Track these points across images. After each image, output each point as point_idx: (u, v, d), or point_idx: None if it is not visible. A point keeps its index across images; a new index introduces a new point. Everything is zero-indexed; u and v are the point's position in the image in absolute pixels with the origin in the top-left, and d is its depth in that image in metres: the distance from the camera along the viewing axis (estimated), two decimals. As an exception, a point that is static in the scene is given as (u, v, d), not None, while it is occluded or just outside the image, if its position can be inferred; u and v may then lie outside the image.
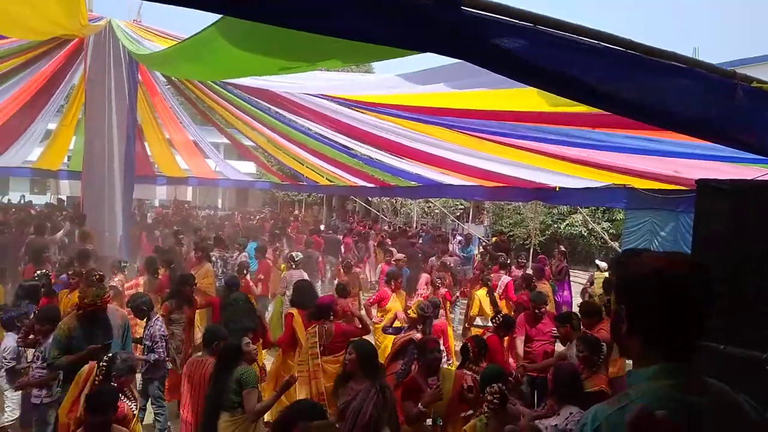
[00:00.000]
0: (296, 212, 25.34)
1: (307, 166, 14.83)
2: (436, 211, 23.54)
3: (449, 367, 4.14)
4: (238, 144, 16.01)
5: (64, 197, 23.10)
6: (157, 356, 4.95)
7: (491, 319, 5.82)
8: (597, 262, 10.60)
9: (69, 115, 12.93)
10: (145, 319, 5.20)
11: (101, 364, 3.65)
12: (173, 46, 4.66)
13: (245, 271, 7.84)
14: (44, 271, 6.19)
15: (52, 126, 13.93)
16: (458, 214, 22.94)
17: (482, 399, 3.47)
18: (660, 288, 1.27)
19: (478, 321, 7.59)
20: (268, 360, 6.29)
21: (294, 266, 8.23)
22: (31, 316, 5.01)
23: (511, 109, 4.64)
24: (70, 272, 6.20)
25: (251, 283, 7.70)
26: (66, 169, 15.96)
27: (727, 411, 1.26)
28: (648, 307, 1.30)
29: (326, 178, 15.07)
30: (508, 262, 9.72)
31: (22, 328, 4.97)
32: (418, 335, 5.17)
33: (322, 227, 18.16)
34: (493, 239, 16.06)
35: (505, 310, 7.53)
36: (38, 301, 5.42)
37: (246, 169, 20.15)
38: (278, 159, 16.12)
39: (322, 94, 6.61)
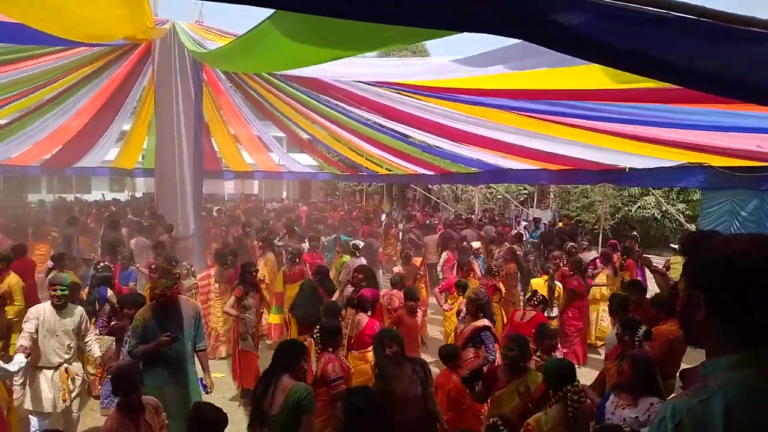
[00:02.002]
0: (358, 203, 25.62)
1: (366, 157, 14.92)
2: (499, 196, 23.09)
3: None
4: (298, 138, 16.33)
5: (139, 194, 24.45)
6: None
7: (528, 300, 5.68)
8: (673, 245, 10.04)
9: (141, 115, 13.62)
10: None
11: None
12: (231, 42, 4.79)
13: (298, 259, 7.99)
14: (106, 263, 6.55)
15: (126, 127, 14.73)
16: (522, 199, 22.39)
17: (549, 393, 3.37)
18: (743, 272, 1.18)
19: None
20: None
21: (357, 255, 8.36)
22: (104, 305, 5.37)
23: (574, 88, 4.44)
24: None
25: (306, 269, 7.89)
26: (140, 167, 16.87)
27: None
28: (728, 293, 1.20)
29: (385, 168, 15.11)
30: (576, 247, 9.36)
31: (101, 317, 5.31)
32: (487, 322, 5.09)
33: (383, 217, 18.24)
34: (560, 224, 15.58)
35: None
36: (111, 286, 5.80)
37: (308, 161, 20.52)
38: (338, 151, 16.33)
39: (378, 82, 6.59)
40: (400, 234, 13.29)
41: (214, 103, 13.29)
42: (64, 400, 4.61)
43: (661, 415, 1.23)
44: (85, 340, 4.91)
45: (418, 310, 6.23)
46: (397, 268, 8.33)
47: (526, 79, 4.26)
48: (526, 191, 22.77)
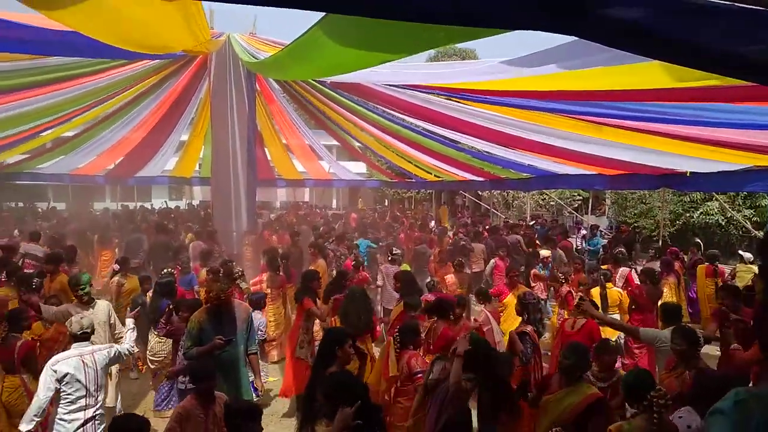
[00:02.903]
0: (406, 210, 25.60)
1: (414, 164, 14.91)
2: (552, 203, 22.54)
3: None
4: (348, 145, 16.52)
5: (196, 202, 25.33)
6: None
7: (576, 306, 5.48)
8: (741, 253, 9.50)
9: (198, 126, 14.13)
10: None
11: None
12: (281, 50, 4.91)
13: (360, 267, 8.07)
14: (169, 269, 6.80)
15: (184, 137, 15.31)
16: (576, 205, 21.77)
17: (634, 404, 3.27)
18: None
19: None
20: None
21: (391, 260, 8.35)
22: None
23: (631, 88, 4.27)
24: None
25: (368, 275, 7.97)
26: (197, 176, 17.47)
27: None
28: None
29: (434, 174, 15.04)
30: (625, 254, 9.05)
31: (160, 320, 5.52)
32: (529, 327, 5.03)
33: (432, 224, 18.16)
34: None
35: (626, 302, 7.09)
36: (173, 296, 5.98)
37: (357, 168, 20.73)
38: (386, 158, 16.40)
39: (427, 87, 6.57)
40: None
41: (267, 113, 13.64)
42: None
43: (726, 398, 1.28)
44: (116, 331, 5.26)
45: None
46: (450, 276, 8.25)
47: (579, 79, 4.13)
48: (580, 197, 22.13)
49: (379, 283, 8.48)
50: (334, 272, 7.75)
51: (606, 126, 6.43)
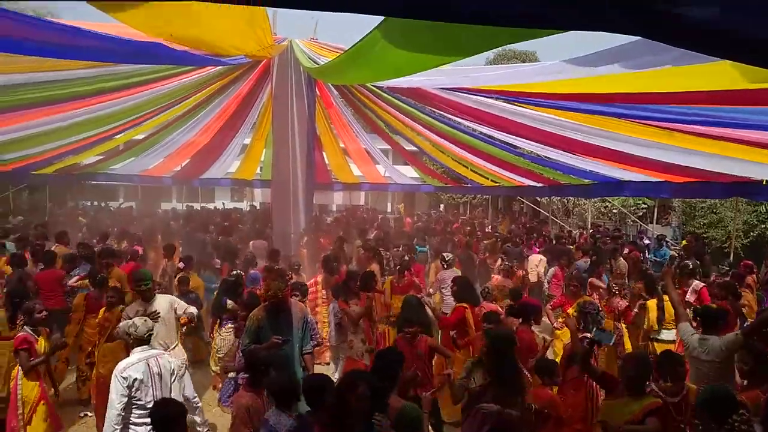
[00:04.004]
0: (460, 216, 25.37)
1: (471, 168, 14.76)
2: (615, 211, 21.72)
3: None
4: (403, 150, 16.56)
5: (257, 203, 26.07)
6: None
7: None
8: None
9: (260, 130, 14.56)
10: None
11: None
12: (341, 54, 5.00)
13: (407, 271, 8.07)
14: (239, 271, 7.03)
15: (247, 141, 15.82)
16: (640, 214, 20.89)
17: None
18: None
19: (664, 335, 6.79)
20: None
21: (445, 266, 8.27)
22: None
23: (702, 90, 4.05)
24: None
25: (414, 279, 7.96)
26: (259, 178, 17.99)
27: None
28: None
29: (491, 179, 14.83)
30: (696, 266, 8.59)
31: (223, 317, 5.74)
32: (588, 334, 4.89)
33: (488, 230, 17.90)
34: (683, 242, 14.35)
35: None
36: (238, 295, 6.19)
37: (412, 173, 20.71)
38: (442, 162, 16.32)
39: (484, 90, 6.50)
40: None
41: (326, 117, 13.89)
42: None
43: None
44: (179, 313, 5.42)
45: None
46: (498, 278, 8.12)
47: (645, 79, 3.97)
48: (645, 205, 21.22)
49: (431, 290, 8.42)
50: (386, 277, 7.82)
51: (676, 132, 6.16)
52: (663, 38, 1.80)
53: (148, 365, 3.98)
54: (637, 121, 6.22)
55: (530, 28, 1.92)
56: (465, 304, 5.97)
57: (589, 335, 4.95)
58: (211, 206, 24.67)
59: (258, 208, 22.60)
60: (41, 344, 4.99)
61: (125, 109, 9.76)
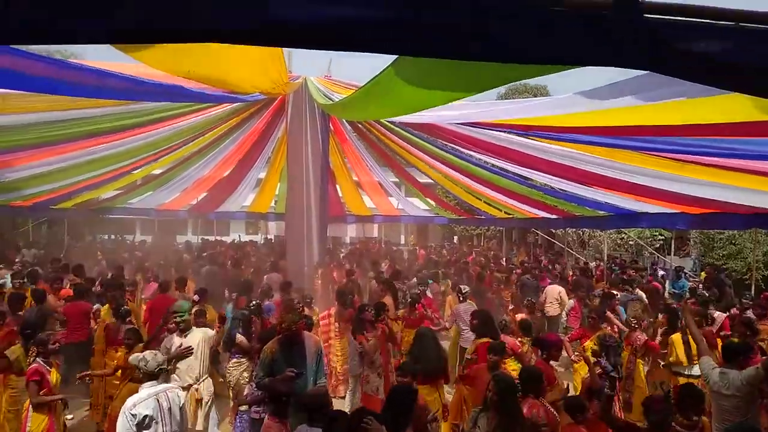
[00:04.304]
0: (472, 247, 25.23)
1: (484, 200, 14.76)
2: (631, 242, 21.46)
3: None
4: (416, 182, 16.64)
5: (272, 236, 26.22)
6: None
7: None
8: None
9: (275, 164, 14.77)
10: None
11: None
12: (355, 92, 5.10)
13: (419, 302, 8.05)
14: (256, 302, 7.04)
15: (261, 175, 16.03)
16: (657, 245, 20.61)
17: None
18: None
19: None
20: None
21: (461, 299, 8.20)
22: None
23: (717, 122, 4.05)
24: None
25: (427, 312, 7.91)
26: (273, 211, 18.14)
27: None
28: None
29: (504, 211, 14.79)
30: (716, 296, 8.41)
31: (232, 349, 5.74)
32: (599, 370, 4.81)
33: (503, 261, 17.76)
34: (702, 274, 14.11)
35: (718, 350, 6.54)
36: (250, 327, 6.19)
37: (425, 205, 20.75)
38: (455, 194, 16.34)
39: (497, 124, 6.55)
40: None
41: (339, 151, 14.06)
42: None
43: None
44: (212, 345, 5.49)
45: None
46: (520, 315, 8.01)
47: (660, 112, 3.98)
48: (663, 237, 20.96)
49: (447, 324, 8.33)
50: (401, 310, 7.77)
51: (687, 163, 6.13)
52: (673, 73, 1.82)
53: (158, 401, 3.91)
54: (650, 153, 6.21)
55: (544, 65, 1.95)
56: (486, 339, 5.87)
57: (607, 367, 4.87)
58: (227, 239, 24.86)
59: (272, 240, 22.73)
60: (53, 375, 5.01)
61: (143, 145, 9.99)
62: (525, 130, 6.47)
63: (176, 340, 5.29)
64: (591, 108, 4.37)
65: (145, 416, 3.79)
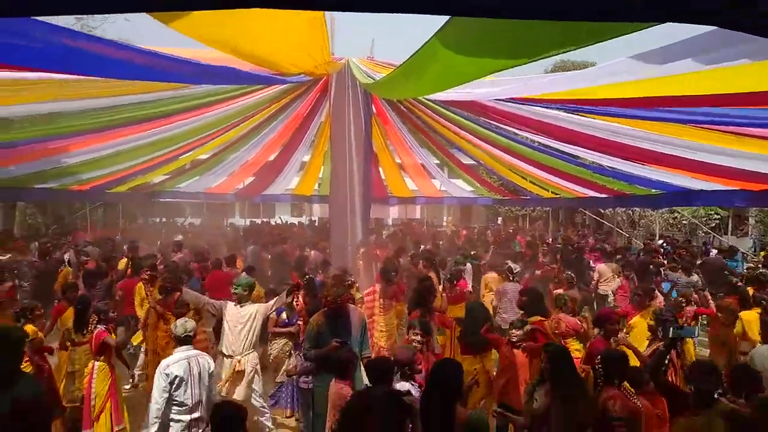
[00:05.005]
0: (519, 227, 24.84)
1: (530, 180, 14.47)
2: (684, 222, 20.63)
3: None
4: (460, 163, 16.47)
5: (315, 218, 26.60)
6: None
7: None
8: None
9: (319, 147, 14.92)
10: None
11: None
12: (397, 67, 5.04)
13: (456, 281, 8.14)
14: (309, 276, 7.25)
15: (306, 158, 16.23)
16: (713, 225, 19.75)
17: None
18: None
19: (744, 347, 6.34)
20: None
21: (511, 278, 8.13)
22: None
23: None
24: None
25: (467, 287, 7.95)
26: (317, 194, 18.37)
27: None
28: None
29: (551, 191, 14.47)
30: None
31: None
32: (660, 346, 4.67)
33: (549, 241, 17.45)
34: (761, 254, 13.46)
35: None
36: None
37: (469, 186, 20.53)
38: (499, 174, 16.10)
39: (544, 100, 6.37)
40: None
41: (382, 133, 14.04)
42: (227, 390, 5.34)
43: None
44: (263, 317, 5.64)
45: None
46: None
47: (720, 78, 3.76)
48: (718, 216, 20.06)
49: (494, 304, 8.37)
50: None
51: (748, 137, 5.80)
52: (741, 27, 1.70)
53: (189, 364, 4.23)
54: (707, 126, 5.92)
55: (602, 21, 1.84)
56: (541, 317, 5.77)
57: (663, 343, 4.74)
58: (274, 222, 25.38)
59: (316, 223, 23.06)
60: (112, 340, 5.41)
61: (191, 130, 10.26)
62: (573, 104, 6.26)
63: (231, 309, 5.55)
64: (643, 75, 4.16)
65: (176, 377, 4.13)
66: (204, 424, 4.27)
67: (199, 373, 4.28)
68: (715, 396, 3.43)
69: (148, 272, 7.33)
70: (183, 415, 4.18)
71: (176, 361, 4.25)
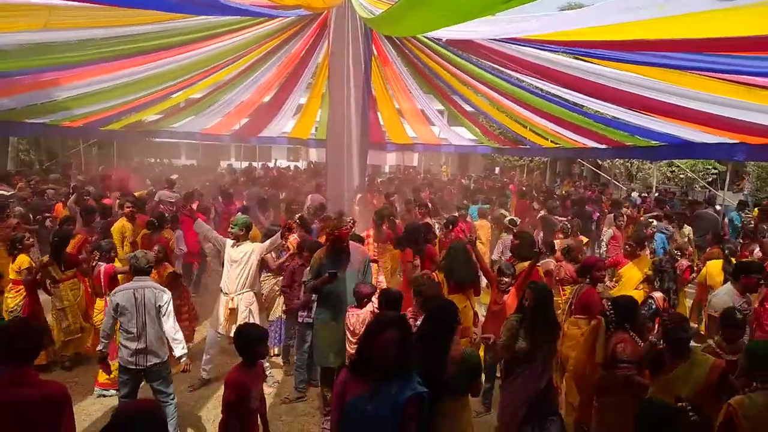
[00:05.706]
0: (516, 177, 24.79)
1: (530, 128, 14.29)
2: (681, 175, 20.59)
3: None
4: (462, 109, 16.19)
5: (312, 162, 26.43)
6: None
7: None
8: None
9: (316, 89, 14.59)
10: None
11: None
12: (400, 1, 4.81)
13: (452, 226, 8.30)
14: (300, 214, 7.46)
15: (302, 100, 15.91)
16: (710, 179, 19.72)
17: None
18: None
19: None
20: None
21: (514, 229, 8.21)
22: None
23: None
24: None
25: (462, 235, 8.04)
26: (314, 137, 18.15)
27: None
28: None
29: (551, 140, 14.32)
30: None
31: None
32: (658, 294, 4.73)
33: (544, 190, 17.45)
34: (755, 211, 13.48)
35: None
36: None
37: (469, 134, 20.27)
38: (500, 123, 15.88)
39: (548, 41, 6.14)
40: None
41: (382, 76, 13.71)
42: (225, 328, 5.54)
43: None
44: (258, 256, 5.75)
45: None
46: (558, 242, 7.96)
47: (730, 19, 3.59)
48: (716, 171, 20.01)
49: (495, 257, 8.46)
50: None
51: (758, 88, 5.65)
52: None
53: (134, 294, 4.34)
54: (713, 75, 5.76)
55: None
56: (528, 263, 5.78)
57: (658, 294, 4.81)
58: (270, 165, 25.21)
59: (312, 166, 22.90)
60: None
61: (184, 66, 9.96)
62: (578, 47, 6.06)
63: (228, 247, 5.69)
64: (651, 15, 3.98)
65: (118, 304, 4.30)
66: (146, 354, 4.34)
67: (144, 304, 4.34)
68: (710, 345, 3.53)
69: (129, 208, 7.53)
70: (129, 342, 4.31)
71: (122, 290, 4.42)
